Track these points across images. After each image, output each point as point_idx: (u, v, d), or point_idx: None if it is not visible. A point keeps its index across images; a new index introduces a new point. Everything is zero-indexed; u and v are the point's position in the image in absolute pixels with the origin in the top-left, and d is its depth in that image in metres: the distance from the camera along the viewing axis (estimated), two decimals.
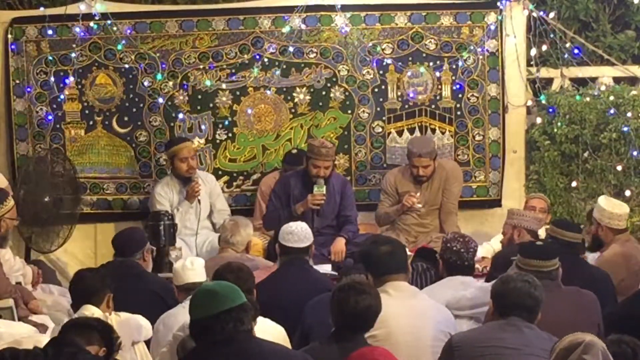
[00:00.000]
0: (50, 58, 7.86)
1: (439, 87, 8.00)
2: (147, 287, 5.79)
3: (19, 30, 7.86)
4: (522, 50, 7.94)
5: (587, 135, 7.89)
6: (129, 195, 8.05)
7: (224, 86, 7.96)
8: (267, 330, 4.67)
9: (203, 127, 7.99)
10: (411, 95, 7.98)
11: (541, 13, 7.90)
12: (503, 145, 8.03)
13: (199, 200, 7.52)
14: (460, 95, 7.99)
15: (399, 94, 8.01)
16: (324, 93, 8.00)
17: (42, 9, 7.86)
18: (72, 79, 7.87)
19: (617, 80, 8.10)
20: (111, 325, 4.27)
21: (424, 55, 7.97)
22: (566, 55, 7.94)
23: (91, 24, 7.78)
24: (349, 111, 8.02)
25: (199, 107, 7.99)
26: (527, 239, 6.25)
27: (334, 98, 8.01)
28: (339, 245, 7.21)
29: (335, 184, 7.44)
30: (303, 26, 7.88)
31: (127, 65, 7.89)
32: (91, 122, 7.99)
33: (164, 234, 6.99)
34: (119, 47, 7.82)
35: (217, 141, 8.03)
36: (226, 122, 7.99)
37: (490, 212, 8.00)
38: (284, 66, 7.94)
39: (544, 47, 7.93)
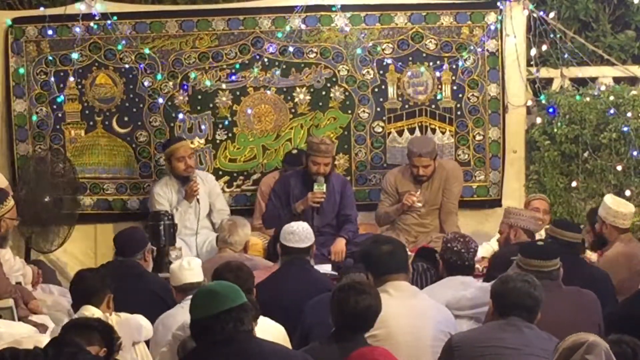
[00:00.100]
0: (50, 58, 7.87)
1: (439, 87, 8.00)
2: (147, 287, 5.79)
3: (19, 31, 7.86)
4: (522, 50, 7.94)
5: (587, 135, 7.89)
6: (129, 196, 8.05)
7: (224, 86, 7.96)
8: (267, 329, 4.68)
9: (203, 127, 8.00)
10: (411, 95, 7.98)
11: (541, 13, 7.90)
12: (503, 145, 8.03)
13: (197, 200, 7.52)
14: (460, 95, 7.99)
15: (399, 93, 8.01)
16: (324, 93, 8.00)
17: (42, 9, 7.87)
18: (72, 79, 7.87)
19: (617, 80, 8.10)
20: (112, 325, 4.27)
21: (424, 55, 7.97)
22: (566, 55, 7.94)
23: (91, 24, 7.78)
24: (349, 111, 8.02)
25: (199, 107, 7.99)
26: (523, 239, 6.27)
27: (334, 98, 8.01)
28: (339, 245, 7.22)
29: (336, 183, 7.45)
30: (303, 26, 7.89)
31: (127, 66, 7.89)
32: (91, 123, 7.99)
33: (164, 234, 7.00)
34: (119, 47, 7.82)
35: (217, 141, 8.03)
36: (226, 122, 8.00)
37: (491, 212, 8.00)
38: (284, 66, 7.94)
39: (544, 47, 7.94)
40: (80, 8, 7.79)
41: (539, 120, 8.02)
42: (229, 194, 8.02)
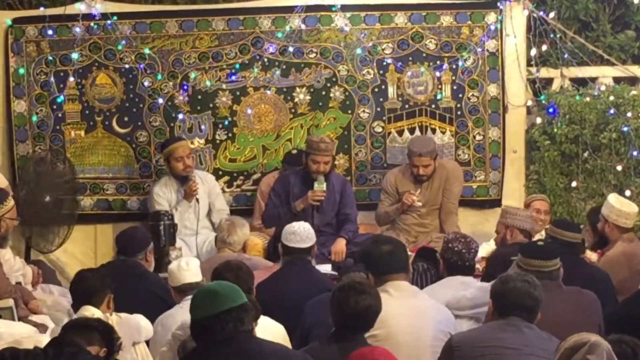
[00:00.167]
0: (50, 58, 7.87)
1: (439, 87, 8.00)
2: (147, 287, 5.79)
3: (19, 31, 7.86)
4: (522, 50, 7.94)
5: (587, 135, 7.89)
6: (129, 196, 8.05)
7: (224, 86, 7.96)
8: (267, 328, 4.68)
9: (203, 127, 7.99)
10: (411, 95, 7.98)
11: (541, 13, 7.90)
12: (503, 145, 8.03)
13: (197, 199, 7.52)
14: (460, 95, 7.99)
15: (399, 93, 8.01)
16: (324, 93, 8.00)
17: (42, 9, 7.87)
18: (72, 79, 7.87)
19: (617, 80, 8.09)
20: (112, 325, 4.27)
21: (424, 55, 7.97)
22: (566, 55, 7.94)
23: (91, 24, 7.78)
24: (349, 111, 8.02)
25: (199, 108, 7.99)
26: (519, 239, 6.27)
27: (334, 98, 8.01)
28: (340, 245, 7.23)
29: (336, 183, 7.46)
30: (303, 26, 7.89)
31: (127, 66, 7.89)
32: (91, 123, 7.99)
33: (164, 234, 7.00)
34: (119, 47, 7.82)
35: (217, 141, 8.03)
36: (226, 122, 7.99)
37: (491, 212, 8.00)
38: (284, 66, 7.94)
39: (544, 47, 7.93)
40: (80, 8, 7.79)
41: (539, 120, 8.01)
42: (229, 194, 8.02)
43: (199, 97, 7.97)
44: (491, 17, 7.92)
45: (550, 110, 7.92)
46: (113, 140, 8.02)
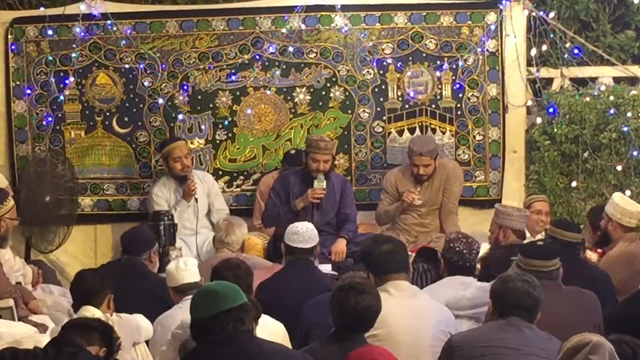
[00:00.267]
0: (50, 58, 7.87)
1: (439, 87, 8.00)
2: (148, 287, 5.78)
3: (19, 31, 7.86)
4: (522, 50, 7.94)
5: (587, 135, 7.89)
6: (129, 196, 8.05)
7: (224, 86, 7.96)
8: (267, 327, 4.69)
9: (203, 127, 7.99)
10: (411, 95, 7.98)
11: (541, 13, 7.90)
12: (503, 145, 8.03)
13: (196, 199, 7.52)
14: (460, 95, 7.99)
15: (399, 93, 8.01)
16: (324, 93, 8.00)
17: (42, 9, 7.87)
18: (72, 79, 7.87)
19: (617, 80, 8.09)
20: (111, 325, 4.27)
21: (424, 55, 7.97)
22: (566, 55, 7.94)
23: (91, 24, 7.77)
24: (349, 111, 8.02)
25: (199, 108, 7.99)
26: (512, 239, 6.27)
27: (334, 98, 8.01)
28: (340, 245, 7.24)
29: (336, 182, 7.47)
30: (303, 26, 7.89)
31: (127, 66, 7.89)
32: (91, 123, 7.99)
33: (164, 234, 7.01)
34: (119, 47, 7.82)
35: (217, 141, 8.03)
36: (226, 122, 7.99)
37: (491, 212, 7.92)
38: (284, 66, 7.94)
39: (544, 47, 7.93)
40: (80, 8, 7.79)
41: (539, 120, 8.01)
42: (229, 194, 8.02)
43: (199, 97, 7.97)
44: (491, 17, 7.92)
45: (550, 110, 7.91)
46: (113, 140, 8.02)
